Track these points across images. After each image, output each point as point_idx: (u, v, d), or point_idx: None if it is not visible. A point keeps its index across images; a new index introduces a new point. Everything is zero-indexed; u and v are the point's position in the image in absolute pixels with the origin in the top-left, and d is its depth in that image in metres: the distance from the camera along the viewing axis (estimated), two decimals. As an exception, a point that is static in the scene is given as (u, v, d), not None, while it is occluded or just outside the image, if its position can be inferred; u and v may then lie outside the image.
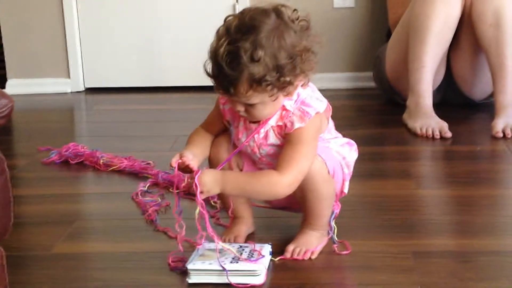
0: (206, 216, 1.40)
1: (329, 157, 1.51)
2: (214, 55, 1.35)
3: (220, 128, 1.55)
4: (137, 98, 3.18)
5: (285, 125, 1.44)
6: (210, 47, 1.37)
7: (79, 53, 3.26)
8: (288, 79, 1.36)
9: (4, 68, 3.33)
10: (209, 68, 1.37)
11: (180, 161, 1.43)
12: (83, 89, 3.30)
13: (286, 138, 1.44)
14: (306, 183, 1.46)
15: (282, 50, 1.34)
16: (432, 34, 2.51)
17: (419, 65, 2.53)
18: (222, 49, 1.33)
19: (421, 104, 2.50)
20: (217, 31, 1.37)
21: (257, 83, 1.34)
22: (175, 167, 1.43)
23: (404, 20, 2.68)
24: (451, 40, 2.56)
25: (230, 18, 1.37)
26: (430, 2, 2.50)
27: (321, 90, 1.50)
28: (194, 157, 1.45)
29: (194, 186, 1.38)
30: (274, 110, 1.43)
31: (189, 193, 1.88)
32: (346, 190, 1.58)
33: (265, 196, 1.49)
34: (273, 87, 1.36)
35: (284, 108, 1.44)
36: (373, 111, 2.87)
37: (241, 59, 1.32)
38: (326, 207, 1.52)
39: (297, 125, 1.42)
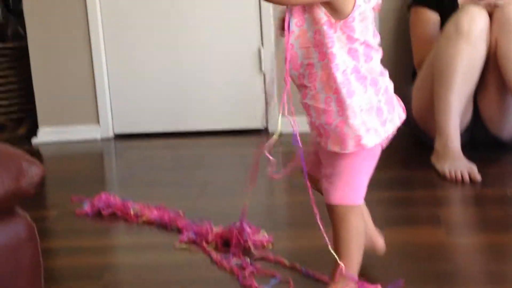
0: None
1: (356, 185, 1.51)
2: None
3: None
4: (166, 144, 3.20)
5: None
6: None
7: (108, 100, 3.31)
8: None
9: (35, 116, 3.38)
10: None
11: None
12: (112, 135, 3.35)
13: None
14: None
15: None
16: (457, 75, 2.50)
17: (445, 107, 2.51)
18: None
19: (449, 146, 2.49)
20: None
21: None
22: None
23: (429, 61, 2.67)
24: (477, 80, 2.55)
25: None
26: (455, 42, 2.49)
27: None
28: None
29: None
30: None
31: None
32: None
33: None
34: None
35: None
36: (401, 152, 2.85)
37: None
38: (357, 249, 1.50)
39: None
